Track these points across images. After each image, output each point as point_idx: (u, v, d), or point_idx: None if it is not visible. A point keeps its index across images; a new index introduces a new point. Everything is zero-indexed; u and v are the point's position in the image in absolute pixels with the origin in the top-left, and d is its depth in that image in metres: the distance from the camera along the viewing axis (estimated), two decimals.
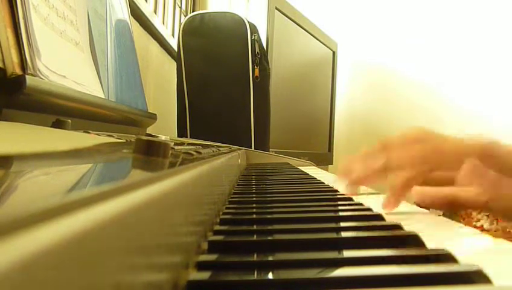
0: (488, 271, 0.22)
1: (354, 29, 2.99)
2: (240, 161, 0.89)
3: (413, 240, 0.29)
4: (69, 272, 0.10)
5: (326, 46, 2.59)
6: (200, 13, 1.68)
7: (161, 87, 1.84)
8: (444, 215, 0.48)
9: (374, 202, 0.46)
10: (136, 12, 1.44)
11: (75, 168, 0.24)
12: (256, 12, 2.39)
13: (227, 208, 0.43)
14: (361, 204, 0.45)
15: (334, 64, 2.73)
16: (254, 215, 0.41)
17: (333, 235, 0.33)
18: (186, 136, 1.61)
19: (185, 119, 1.63)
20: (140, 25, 1.54)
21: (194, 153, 0.44)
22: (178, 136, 1.58)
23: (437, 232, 0.34)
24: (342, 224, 0.36)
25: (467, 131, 0.48)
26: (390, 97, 2.98)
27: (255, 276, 0.24)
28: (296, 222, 0.37)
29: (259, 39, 1.66)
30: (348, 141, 2.94)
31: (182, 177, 0.24)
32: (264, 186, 0.67)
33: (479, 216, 0.58)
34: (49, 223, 0.10)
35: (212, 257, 0.27)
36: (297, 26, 2.22)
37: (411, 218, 0.39)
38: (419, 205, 0.46)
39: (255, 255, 0.28)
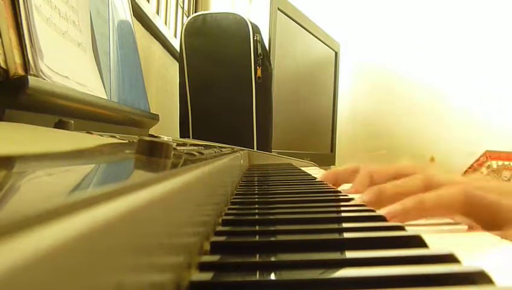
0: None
1: (357, 30, 2.99)
2: (242, 161, 0.89)
3: (416, 241, 0.29)
4: (71, 273, 0.10)
5: (328, 46, 2.59)
6: (202, 14, 1.68)
7: (163, 88, 1.84)
8: None
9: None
10: (138, 13, 1.44)
11: (78, 169, 0.24)
12: (258, 13, 2.39)
13: (229, 209, 0.43)
14: (363, 205, 0.45)
15: (336, 65, 2.73)
16: (256, 216, 0.41)
17: (336, 236, 0.32)
18: (189, 137, 1.61)
19: (187, 120, 1.63)
20: (142, 25, 1.54)
21: (197, 153, 0.44)
22: (180, 137, 1.58)
23: None
24: (345, 225, 0.36)
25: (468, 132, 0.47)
26: (392, 98, 2.98)
27: (258, 277, 0.24)
28: (298, 222, 0.37)
29: (262, 40, 1.66)
30: (350, 142, 2.94)
31: (184, 178, 0.24)
32: (267, 187, 0.67)
33: None
34: (51, 223, 0.10)
35: (214, 258, 0.27)
36: (300, 27, 2.22)
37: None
38: None
39: (258, 256, 0.28)
